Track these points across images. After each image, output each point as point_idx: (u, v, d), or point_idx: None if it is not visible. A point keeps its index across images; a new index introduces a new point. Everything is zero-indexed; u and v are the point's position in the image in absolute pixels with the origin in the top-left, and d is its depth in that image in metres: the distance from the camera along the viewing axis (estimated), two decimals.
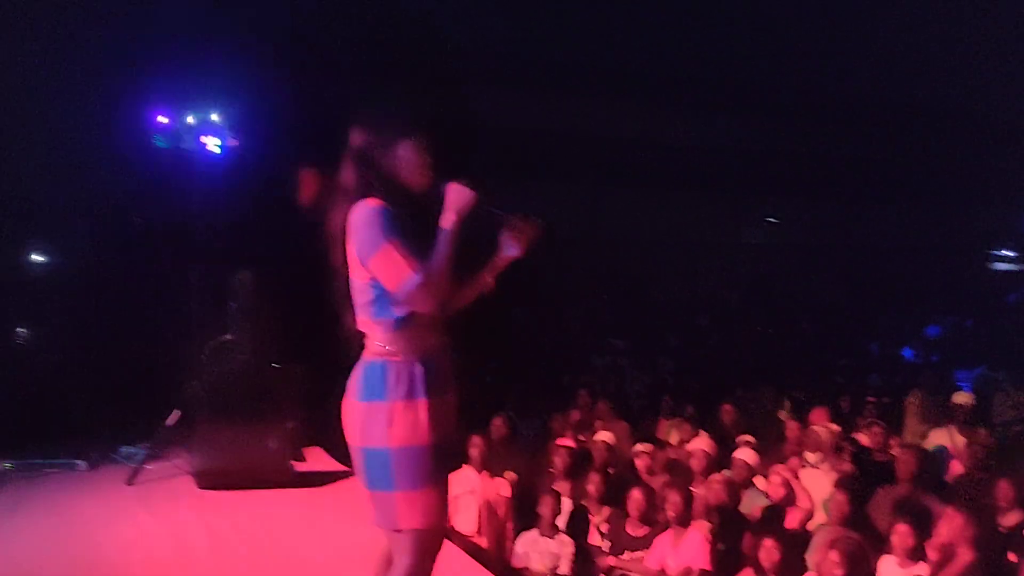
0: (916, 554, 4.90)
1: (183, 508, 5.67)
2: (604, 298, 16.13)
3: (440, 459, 2.97)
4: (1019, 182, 21.21)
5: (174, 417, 6.41)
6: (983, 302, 18.61)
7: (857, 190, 19.92)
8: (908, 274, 19.46)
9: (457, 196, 2.94)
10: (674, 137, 18.87)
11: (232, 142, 6.98)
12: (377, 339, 2.94)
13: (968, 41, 17.72)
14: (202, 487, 6.00)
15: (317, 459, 6.83)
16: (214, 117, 6.98)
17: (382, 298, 2.90)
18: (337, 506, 5.80)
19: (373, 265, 2.85)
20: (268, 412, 6.61)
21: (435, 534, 3.01)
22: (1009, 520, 5.68)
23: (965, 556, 4.71)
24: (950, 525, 4.78)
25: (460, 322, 3.13)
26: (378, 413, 2.89)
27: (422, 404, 2.91)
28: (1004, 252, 23.14)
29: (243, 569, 4.78)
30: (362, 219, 2.87)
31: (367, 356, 2.97)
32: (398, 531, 2.95)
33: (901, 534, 4.88)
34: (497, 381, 10.46)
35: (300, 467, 6.48)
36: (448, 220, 2.92)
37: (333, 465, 6.59)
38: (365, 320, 2.96)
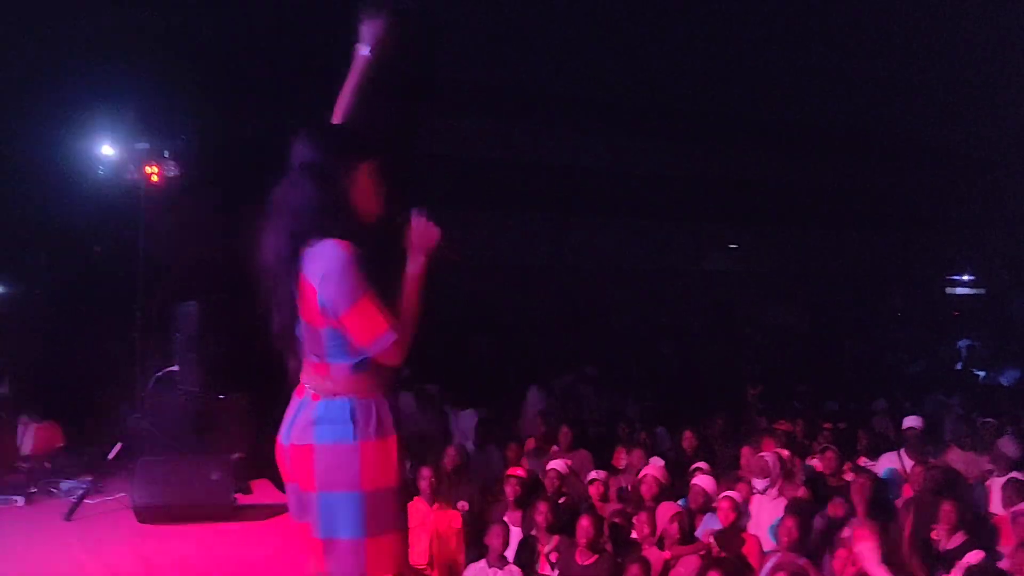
0: None
1: (122, 543, 5.53)
2: (567, 325, 16.14)
3: (405, 500, 2.87)
4: (976, 209, 21.62)
5: (116, 450, 6.30)
6: (940, 328, 18.86)
7: (817, 217, 20.16)
8: (867, 300, 19.68)
9: (423, 234, 2.74)
10: (636, 166, 19.02)
11: (175, 171, 6.93)
12: (334, 379, 2.74)
13: (925, 71, 18.09)
14: (142, 521, 5.86)
15: (264, 491, 6.71)
16: (157, 147, 6.92)
17: (338, 345, 2.70)
18: (282, 539, 5.69)
19: (348, 318, 2.63)
20: (213, 444, 6.54)
21: None
22: (953, 542, 5.72)
23: None
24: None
25: (420, 351, 2.92)
26: (346, 455, 2.70)
27: (392, 442, 2.75)
28: (961, 278, 23.48)
29: None
30: (337, 267, 2.61)
31: (324, 394, 2.75)
32: None
33: (841, 559, 4.89)
34: (459, 409, 10.39)
35: (246, 499, 6.37)
36: (417, 264, 2.73)
37: (280, 497, 6.47)
38: (320, 363, 2.76)
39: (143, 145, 6.85)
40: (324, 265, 2.62)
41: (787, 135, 19.65)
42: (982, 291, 23.18)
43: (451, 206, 2.90)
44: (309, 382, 2.80)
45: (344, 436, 2.70)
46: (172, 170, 6.90)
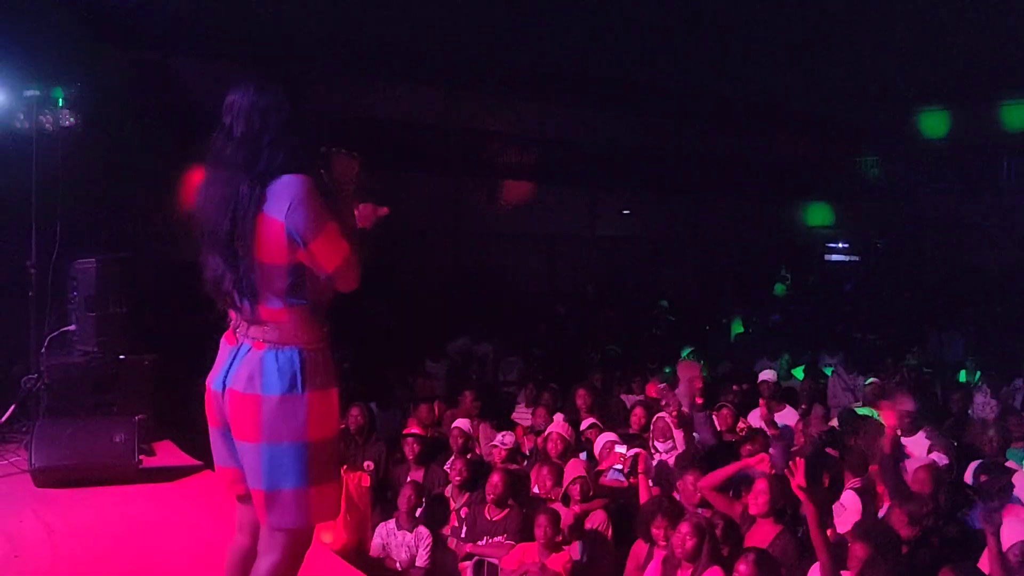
0: None
1: (20, 508, 5.33)
2: (465, 289, 16.18)
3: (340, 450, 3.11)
4: (852, 178, 22.72)
5: (8, 413, 6.05)
6: (820, 291, 19.78)
7: (705, 185, 20.79)
8: (752, 265, 20.45)
9: (344, 167, 2.92)
10: (533, 133, 19.22)
11: (71, 121, 6.57)
12: (286, 326, 2.78)
13: (807, 44, 18.79)
14: (40, 486, 5.66)
15: (168, 453, 6.57)
16: (51, 94, 6.55)
17: (299, 282, 2.78)
18: (187, 501, 5.60)
19: (317, 245, 2.71)
20: (114, 405, 6.35)
21: (312, 530, 2.95)
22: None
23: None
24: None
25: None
26: (294, 406, 2.75)
27: (334, 393, 2.87)
28: (839, 245, 24.66)
29: (83, 571, 4.54)
30: (302, 197, 2.70)
31: (271, 343, 2.78)
32: (294, 529, 2.83)
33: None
34: (356, 373, 10.32)
35: (149, 461, 6.22)
36: (346, 193, 2.90)
37: (183, 459, 6.36)
38: (273, 308, 2.78)
39: (35, 92, 6.48)
40: (290, 196, 2.70)
41: (677, 105, 20.13)
42: (856, 258, 24.39)
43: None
44: (250, 330, 2.83)
45: (293, 387, 2.77)
46: (67, 119, 6.55)
